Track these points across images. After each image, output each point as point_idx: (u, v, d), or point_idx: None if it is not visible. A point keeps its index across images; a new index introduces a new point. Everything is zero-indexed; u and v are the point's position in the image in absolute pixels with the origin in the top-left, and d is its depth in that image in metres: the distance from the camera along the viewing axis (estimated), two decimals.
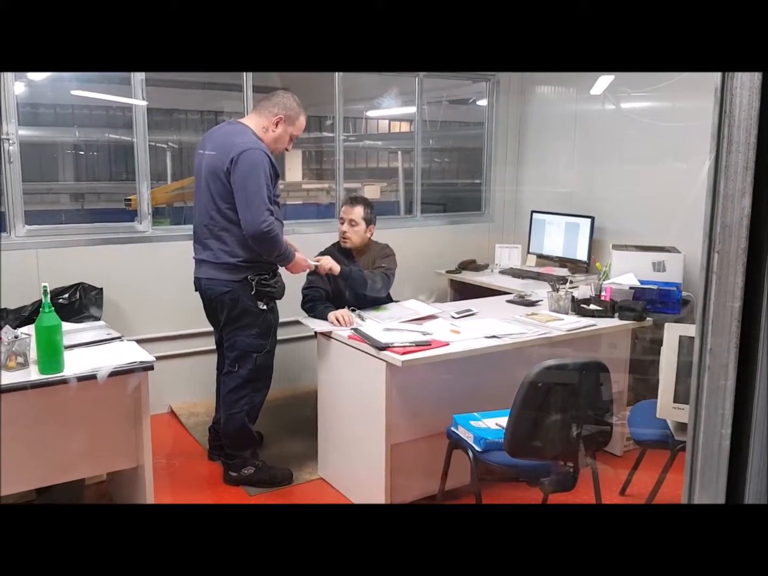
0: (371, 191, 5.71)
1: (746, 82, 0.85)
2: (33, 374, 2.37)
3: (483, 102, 5.28)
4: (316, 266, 3.25)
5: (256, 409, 3.19)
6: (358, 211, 3.41)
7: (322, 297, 3.31)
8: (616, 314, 3.34)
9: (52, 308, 2.35)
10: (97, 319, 3.36)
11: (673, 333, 2.50)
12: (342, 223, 3.44)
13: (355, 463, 3.01)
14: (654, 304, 3.46)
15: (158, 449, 3.15)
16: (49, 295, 2.36)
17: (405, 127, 6.87)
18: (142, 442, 2.58)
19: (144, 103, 3.83)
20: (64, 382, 2.35)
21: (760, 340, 0.88)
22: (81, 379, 2.38)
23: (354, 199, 3.48)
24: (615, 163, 4.46)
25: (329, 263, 3.26)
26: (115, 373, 2.45)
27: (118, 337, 2.80)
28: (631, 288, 3.49)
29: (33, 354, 2.43)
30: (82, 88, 4.45)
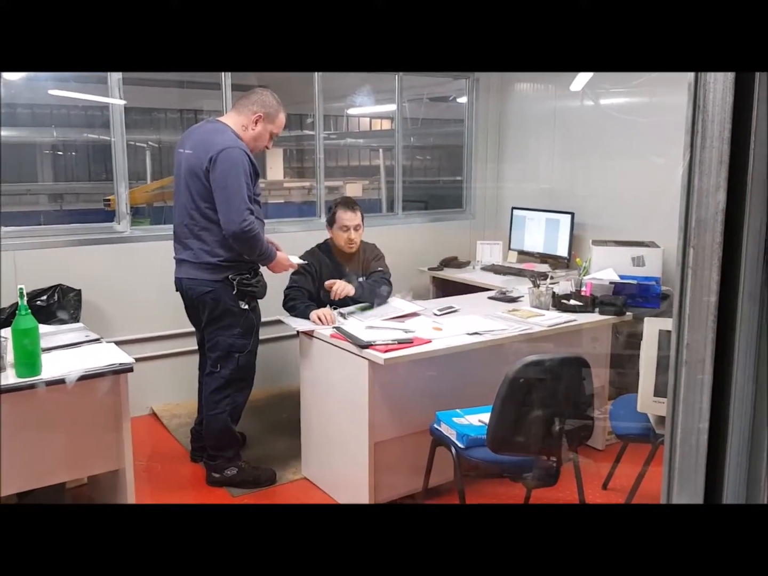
0: (353, 189, 5.70)
1: (719, 77, 0.85)
2: (10, 378, 2.33)
3: (463, 99, 5.28)
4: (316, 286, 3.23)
5: (239, 409, 3.18)
6: (359, 216, 3.39)
7: (304, 296, 3.28)
8: (597, 309, 3.36)
9: (29, 310, 2.32)
10: (76, 321, 3.32)
11: (652, 327, 2.52)
12: (346, 231, 3.36)
13: (338, 462, 3.01)
14: (634, 298, 3.48)
15: (140, 451, 3.12)
16: (25, 298, 2.33)
17: (386, 124, 6.87)
18: (122, 444, 2.55)
19: (122, 102, 3.79)
20: (41, 385, 2.32)
21: (736, 334, 0.89)
22: (59, 382, 2.35)
23: (352, 204, 3.41)
24: (594, 159, 4.49)
25: (343, 289, 3.23)
26: (93, 376, 2.43)
27: (97, 339, 2.77)
28: (611, 283, 3.51)
29: (10, 357, 2.39)
30: (59, 88, 4.41)
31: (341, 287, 3.24)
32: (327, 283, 3.28)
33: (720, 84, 0.85)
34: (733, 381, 0.89)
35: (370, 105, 5.89)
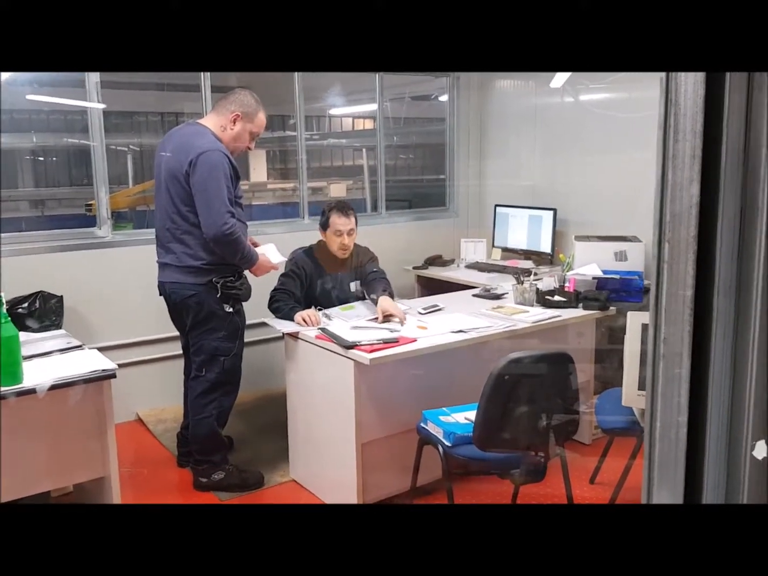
0: (337, 189, 5.70)
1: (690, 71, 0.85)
2: None
3: (444, 98, 5.29)
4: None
5: (225, 413, 3.16)
6: (353, 220, 3.35)
7: (289, 298, 3.26)
8: (581, 304, 3.37)
9: (9, 318, 2.29)
10: (58, 327, 3.29)
11: (635, 321, 2.52)
12: (339, 235, 3.32)
13: (326, 463, 3.00)
14: (617, 293, 3.50)
15: (126, 457, 3.10)
16: (5, 305, 2.31)
17: (368, 124, 6.86)
18: (107, 451, 2.53)
19: (100, 105, 3.76)
20: (22, 393, 2.30)
21: (713, 328, 0.89)
22: (40, 390, 2.32)
23: (347, 209, 3.35)
24: (575, 155, 4.51)
25: (396, 312, 3.11)
26: (76, 383, 2.40)
27: (79, 346, 2.74)
28: (594, 278, 3.53)
29: None
30: (37, 93, 4.36)
31: (395, 311, 3.11)
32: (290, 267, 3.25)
33: (691, 78, 0.85)
34: (711, 374, 0.89)
35: (352, 105, 5.88)
